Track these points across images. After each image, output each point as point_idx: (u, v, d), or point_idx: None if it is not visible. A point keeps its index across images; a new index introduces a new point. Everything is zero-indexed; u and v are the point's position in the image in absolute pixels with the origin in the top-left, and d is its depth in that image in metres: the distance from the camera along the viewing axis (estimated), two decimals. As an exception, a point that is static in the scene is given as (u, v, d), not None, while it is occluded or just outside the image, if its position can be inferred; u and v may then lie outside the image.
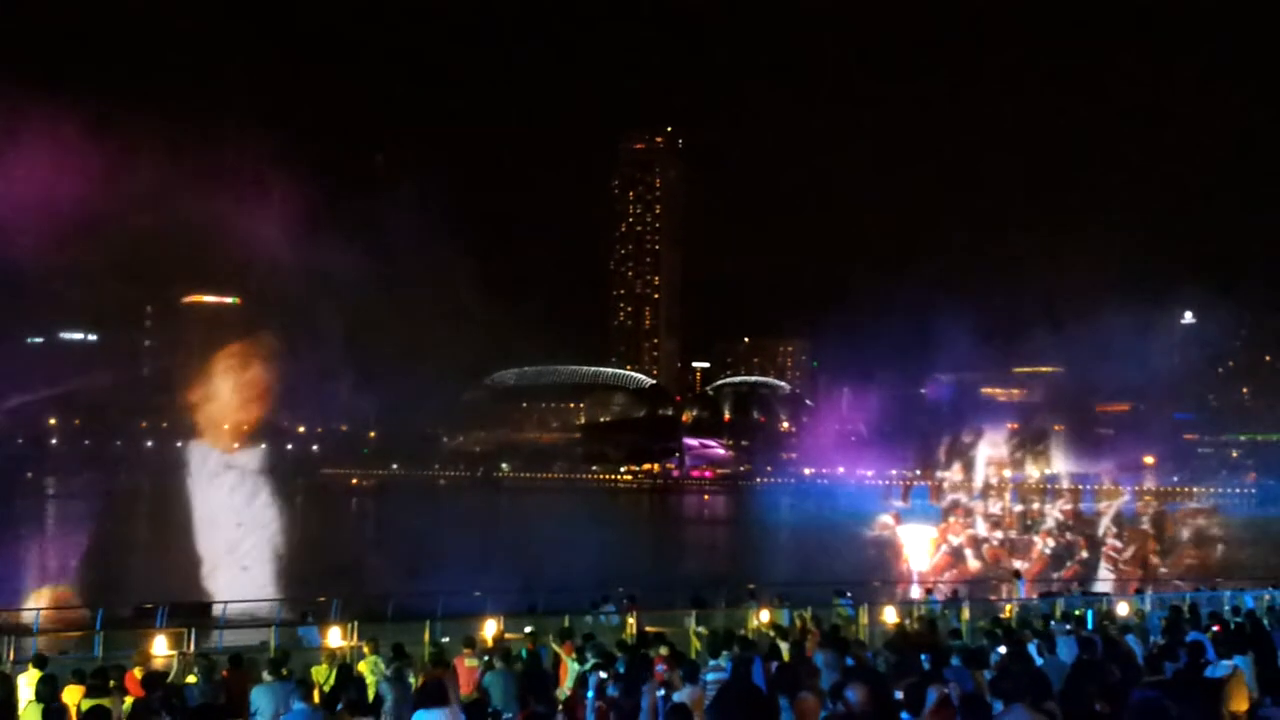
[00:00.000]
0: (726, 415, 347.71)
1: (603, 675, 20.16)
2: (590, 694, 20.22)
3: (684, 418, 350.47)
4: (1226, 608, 35.99)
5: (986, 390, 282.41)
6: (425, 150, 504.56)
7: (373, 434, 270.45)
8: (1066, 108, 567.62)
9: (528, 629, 28.67)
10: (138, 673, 21.40)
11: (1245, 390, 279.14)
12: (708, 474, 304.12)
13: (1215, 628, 25.73)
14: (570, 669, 22.91)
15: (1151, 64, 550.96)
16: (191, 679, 22.05)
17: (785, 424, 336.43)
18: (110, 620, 33.87)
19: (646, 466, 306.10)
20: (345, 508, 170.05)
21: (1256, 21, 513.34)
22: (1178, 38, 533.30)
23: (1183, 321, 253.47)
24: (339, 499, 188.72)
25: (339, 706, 18.44)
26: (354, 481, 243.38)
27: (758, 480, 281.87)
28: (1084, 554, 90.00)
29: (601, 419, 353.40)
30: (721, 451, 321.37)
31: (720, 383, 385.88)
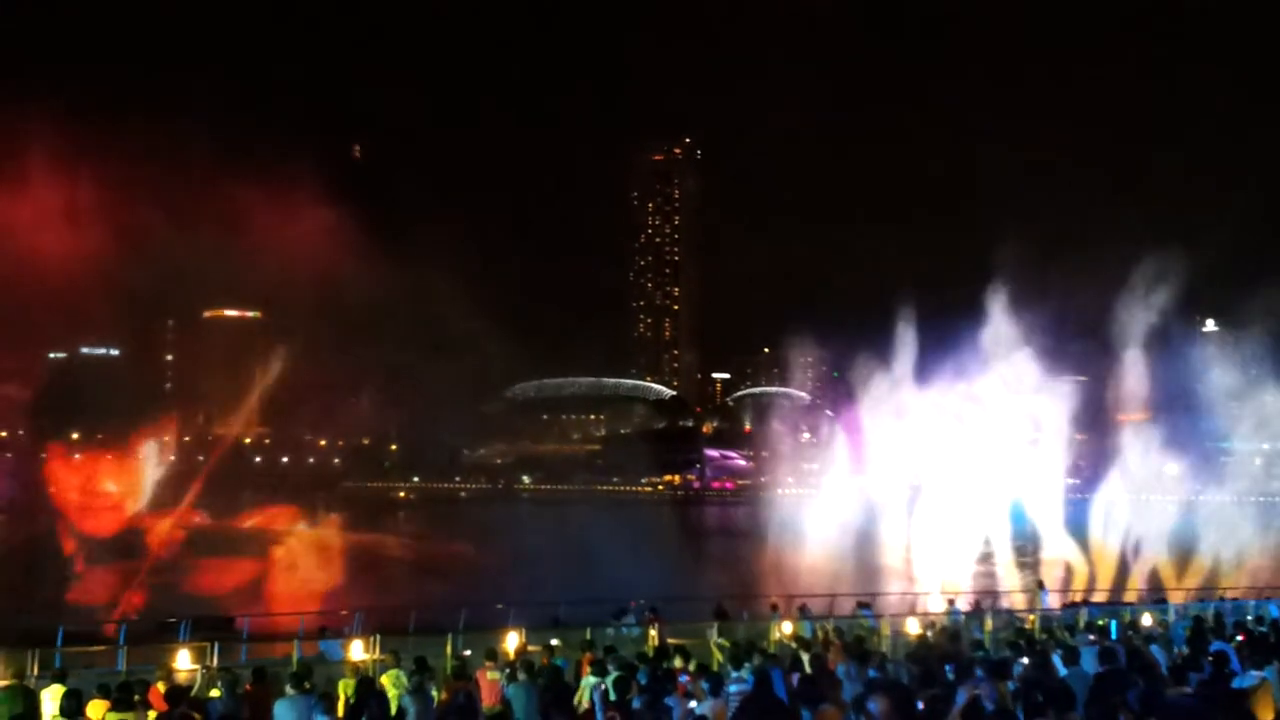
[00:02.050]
0: (747, 426, 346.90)
1: (603, 686, 20.23)
2: (598, 709, 20.28)
3: (704, 429, 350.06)
4: (1251, 617, 35.81)
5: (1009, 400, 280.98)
6: (444, 165, 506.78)
7: (394, 446, 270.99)
8: (1086, 112, 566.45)
9: (554, 641, 28.71)
10: (161, 687, 21.45)
11: (1269, 398, 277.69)
12: (728, 485, 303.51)
13: (1240, 637, 25.59)
14: (584, 682, 22.90)
15: (1169, 65, 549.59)
16: (215, 693, 22.11)
17: (806, 435, 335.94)
18: (134, 634, 33.95)
19: (667, 478, 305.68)
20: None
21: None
22: (1191, 41, 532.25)
23: (1204, 329, 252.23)
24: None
25: (362, 720, 18.47)
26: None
27: (779, 491, 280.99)
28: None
29: (622, 430, 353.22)
30: (742, 462, 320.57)
31: (740, 393, 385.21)
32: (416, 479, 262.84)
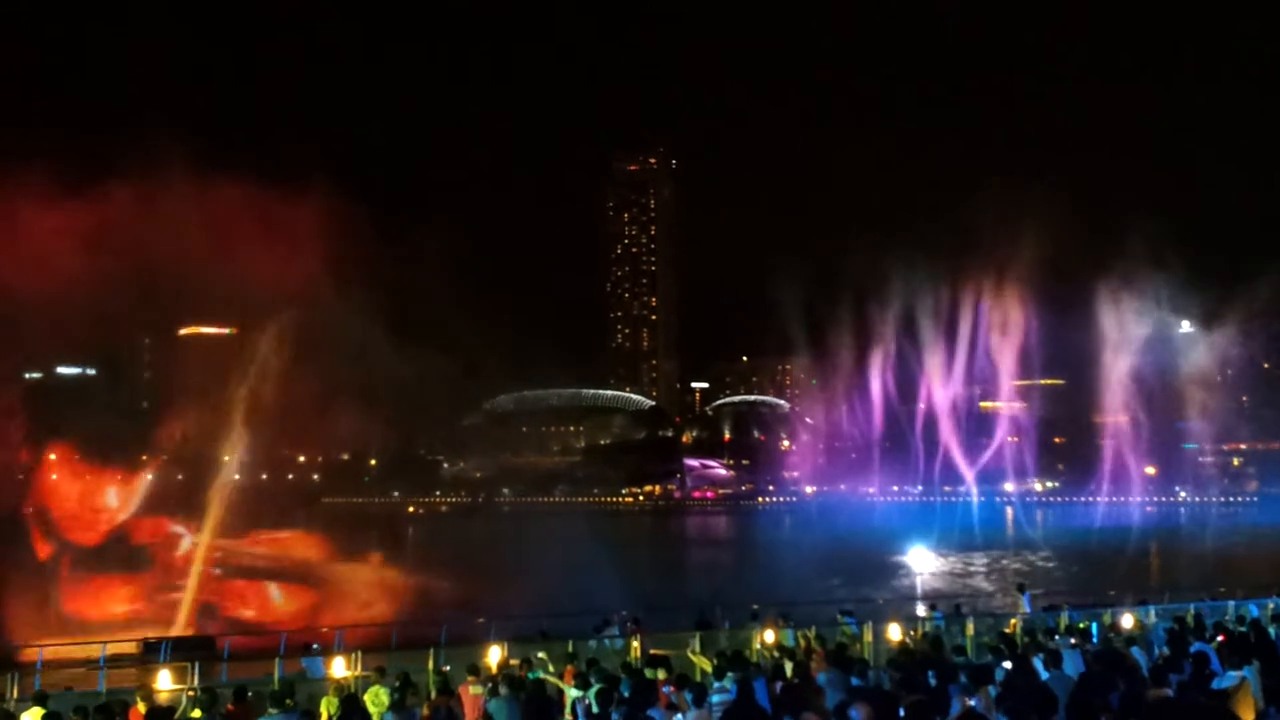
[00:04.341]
0: (727, 435, 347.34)
1: (588, 699, 20.20)
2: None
3: (684, 439, 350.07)
4: (1230, 617, 35.93)
5: (986, 404, 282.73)
6: (419, 176, 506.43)
7: (373, 461, 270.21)
8: (1067, 119, 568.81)
9: (540, 654, 28.67)
10: (142, 708, 21.32)
11: (1245, 399, 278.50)
12: (709, 494, 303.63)
13: (1220, 638, 25.67)
14: (568, 695, 22.84)
15: (1150, 76, 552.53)
16: (196, 714, 21.97)
17: (786, 443, 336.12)
18: (114, 655, 33.81)
19: (648, 488, 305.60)
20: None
21: (1244, 30, 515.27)
22: (1166, 48, 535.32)
23: (1181, 330, 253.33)
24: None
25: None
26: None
27: (759, 500, 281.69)
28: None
29: (601, 442, 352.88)
30: (722, 472, 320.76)
31: (720, 402, 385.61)
32: (396, 494, 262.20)
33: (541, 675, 25.20)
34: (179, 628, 66.83)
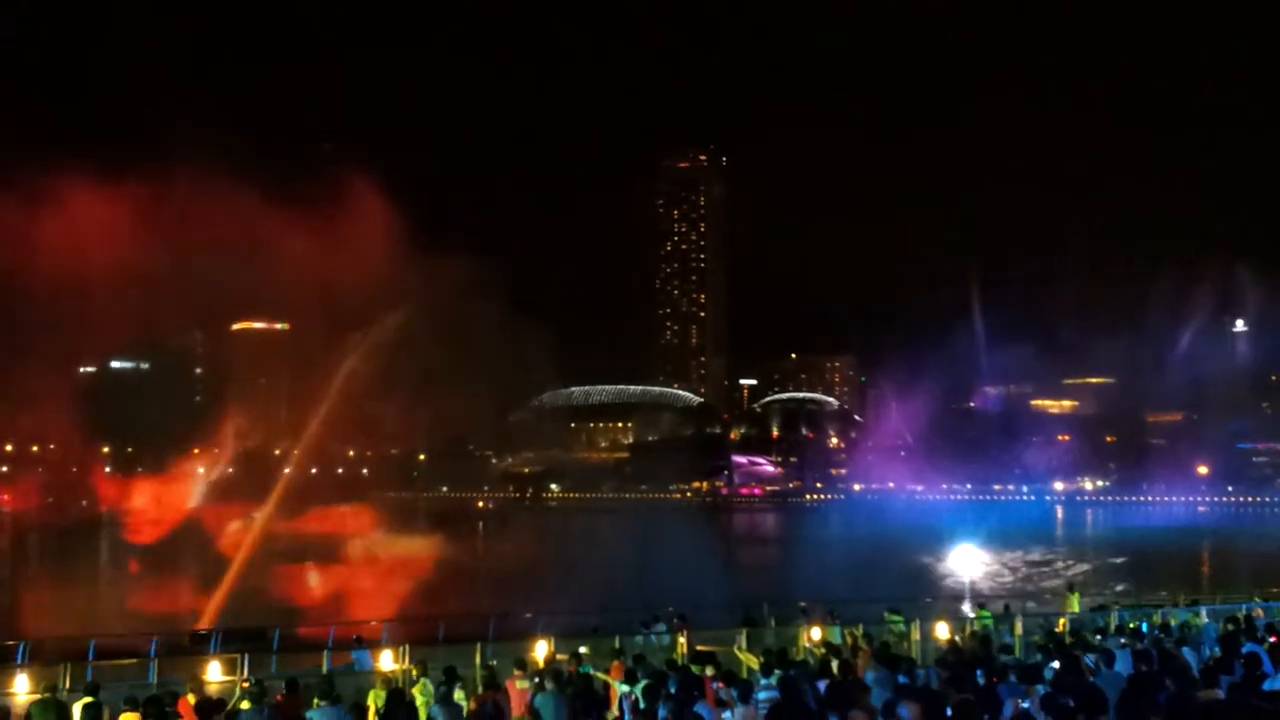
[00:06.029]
0: (775, 432, 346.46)
1: (635, 695, 20.21)
2: (628, 718, 20.25)
3: (732, 435, 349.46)
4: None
5: (1037, 402, 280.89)
6: (470, 173, 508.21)
7: (422, 456, 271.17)
8: (1114, 115, 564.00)
9: (583, 649, 28.69)
10: (191, 699, 21.48)
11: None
12: (757, 491, 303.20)
13: (1272, 639, 25.41)
14: (617, 690, 22.85)
15: (1198, 67, 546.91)
16: (245, 705, 22.14)
17: (834, 440, 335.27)
18: (166, 647, 34.06)
19: (695, 485, 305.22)
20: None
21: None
22: (1226, 38, 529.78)
23: (1235, 330, 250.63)
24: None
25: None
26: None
27: (807, 497, 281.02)
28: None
29: (650, 438, 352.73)
30: (770, 469, 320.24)
31: (768, 400, 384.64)
32: (445, 489, 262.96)
33: (591, 670, 25.26)
34: (209, 619, 66.30)
